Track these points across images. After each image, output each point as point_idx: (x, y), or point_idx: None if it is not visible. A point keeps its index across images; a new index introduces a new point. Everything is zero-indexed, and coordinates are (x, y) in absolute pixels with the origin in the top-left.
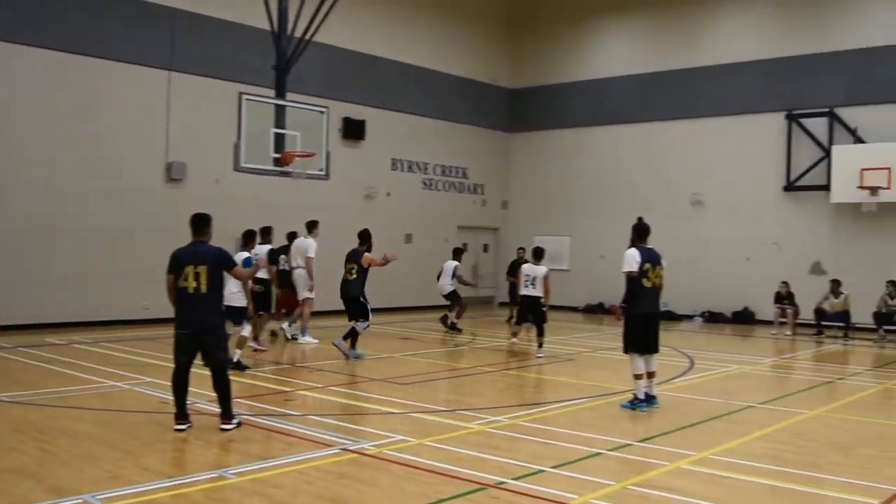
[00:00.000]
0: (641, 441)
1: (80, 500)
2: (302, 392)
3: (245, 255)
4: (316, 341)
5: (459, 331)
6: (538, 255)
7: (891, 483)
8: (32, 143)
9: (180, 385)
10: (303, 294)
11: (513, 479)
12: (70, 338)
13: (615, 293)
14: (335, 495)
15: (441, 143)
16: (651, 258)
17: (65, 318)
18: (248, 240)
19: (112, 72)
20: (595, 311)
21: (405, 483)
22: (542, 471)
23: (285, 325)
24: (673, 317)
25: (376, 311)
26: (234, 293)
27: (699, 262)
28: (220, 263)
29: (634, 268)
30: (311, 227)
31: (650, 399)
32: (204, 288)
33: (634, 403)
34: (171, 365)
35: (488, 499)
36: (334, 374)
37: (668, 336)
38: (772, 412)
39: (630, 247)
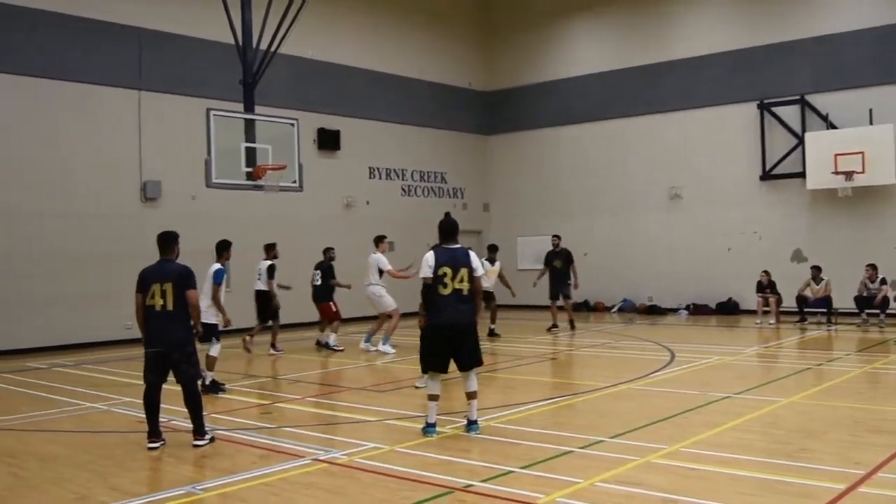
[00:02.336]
0: (614, 437)
1: None
2: (279, 405)
3: (217, 266)
4: (393, 350)
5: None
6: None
7: (859, 468)
8: (6, 169)
9: (152, 403)
10: (388, 307)
11: (480, 481)
12: (52, 361)
13: (600, 291)
14: None
15: (418, 149)
16: (451, 261)
17: (48, 341)
18: (221, 250)
19: (82, 94)
20: (580, 308)
21: (373, 490)
22: (511, 471)
23: (332, 336)
24: (658, 311)
25: (359, 319)
26: (205, 310)
27: (681, 256)
28: (181, 282)
29: (428, 273)
30: (379, 241)
31: (470, 425)
32: (171, 305)
33: (425, 428)
34: None
35: (455, 502)
36: (314, 386)
37: (652, 330)
38: (747, 402)
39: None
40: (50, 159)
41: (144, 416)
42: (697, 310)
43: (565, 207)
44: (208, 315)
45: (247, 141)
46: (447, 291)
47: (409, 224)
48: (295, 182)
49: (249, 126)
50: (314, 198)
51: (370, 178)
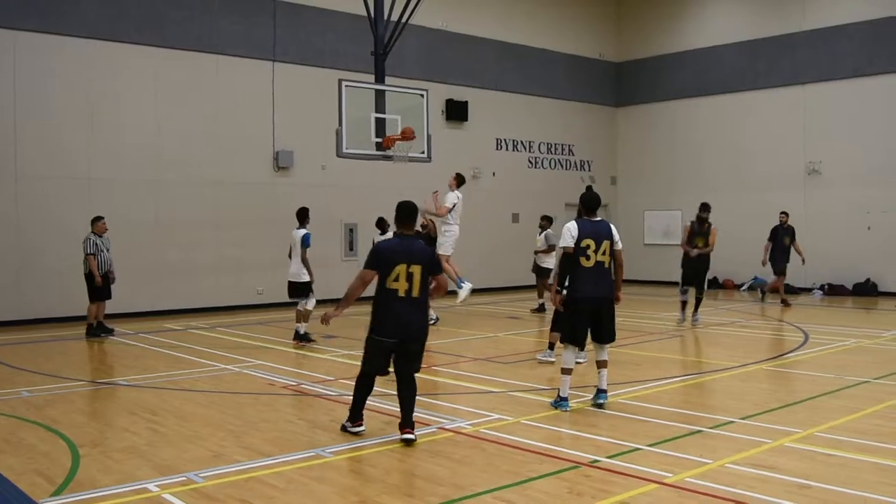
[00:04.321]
0: (745, 418)
1: (183, 478)
2: None
3: (304, 231)
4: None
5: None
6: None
7: None
8: (143, 138)
9: (367, 391)
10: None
11: (607, 457)
12: (188, 323)
13: (730, 267)
14: (427, 473)
15: (546, 121)
16: (594, 233)
17: (183, 304)
18: (304, 217)
19: (218, 65)
20: (710, 286)
21: (498, 461)
22: (639, 449)
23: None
24: (791, 290)
25: (484, 290)
26: (298, 270)
27: (817, 234)
28: (432, 267)
29: (570, 243)
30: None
31: (599, 393)
32: (416, 291)
33: (557, 402)
34: (279, 348)
35: (581, 477)
36: (438, 355)
37: (784, 310)
38: (887, 388)
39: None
40: (185, 129)
41: (276, 378)
42: (833, 290)
43: (696, 181)
44: (301, 275)
45: (377, 112)
46: (590, 264)
47: (534, 196)
48: (423, 153)
49: (380, 97)
50: (440, 168)
51: (497, 149)
